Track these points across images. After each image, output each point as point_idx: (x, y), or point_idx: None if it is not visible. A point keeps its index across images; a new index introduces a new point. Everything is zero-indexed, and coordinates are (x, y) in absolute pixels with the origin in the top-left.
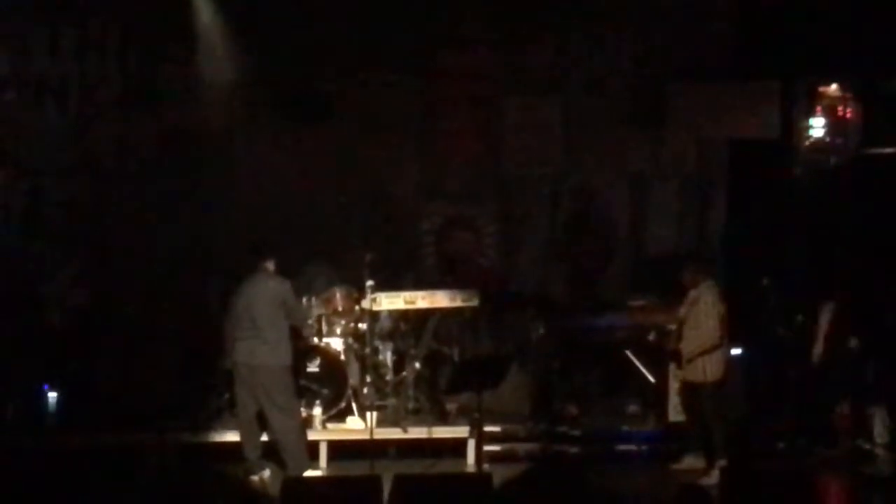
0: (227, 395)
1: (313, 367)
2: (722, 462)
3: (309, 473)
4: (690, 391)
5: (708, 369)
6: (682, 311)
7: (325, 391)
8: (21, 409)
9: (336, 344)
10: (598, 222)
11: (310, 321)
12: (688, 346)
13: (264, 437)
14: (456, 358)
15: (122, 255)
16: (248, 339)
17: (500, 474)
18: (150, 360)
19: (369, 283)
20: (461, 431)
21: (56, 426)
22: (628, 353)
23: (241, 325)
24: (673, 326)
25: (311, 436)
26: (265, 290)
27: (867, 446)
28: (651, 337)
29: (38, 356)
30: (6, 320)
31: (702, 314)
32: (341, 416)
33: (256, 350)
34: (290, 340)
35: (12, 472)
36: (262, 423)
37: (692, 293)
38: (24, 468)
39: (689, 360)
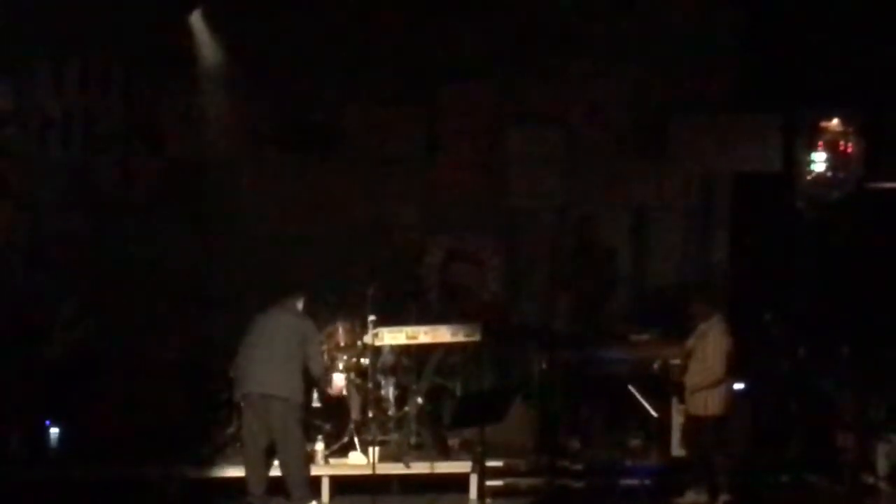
0: (230, 430)
1: (316, 403)
2: (725, 496)
3: None
4: (693, 425)
5: (710, 403)
6: (690, 343)
7: (328, 426)
8: (24, 443)
9: (338, 379)
10: (601, 254)
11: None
12: (692, 379)
13: (271, 473)
14: (458, 392)
15: (124, 289)
16: (263, 368)
17: None
18: (154, 394)
19: (372, 317)
20: (464, 466)
21: (58, 460)
22: (631, 387)
23: (256, 355)
24: (676, 361)
25: (314, 471)
26: (288, 324)
27: (871, 480)
28: (655, 366)
29: (39, 390)
30: (8, 354)
31: (709, 348)
32: (344, 451)
33: (271, 381)
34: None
35: None
36: (269, 458)
37: (702, 326)
38: (27, 502)
39: (692, 393)
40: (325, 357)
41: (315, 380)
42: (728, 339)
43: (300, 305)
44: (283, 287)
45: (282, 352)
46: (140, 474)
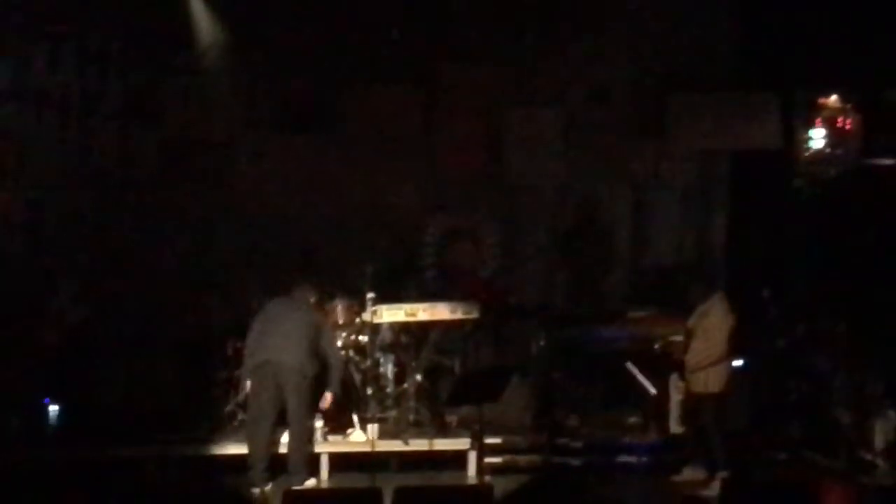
0: (228, 408)
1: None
2: (723, 473)
3: (310, 484)
4: (693, 402)
5: (710, 381)
6: (692, 321)
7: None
8: (23, 423)
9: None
10: (600, 233)
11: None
12: (694, 358)
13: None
14: (457, 370)
15: (123, 268)
16: (277, 341)
17: (501, 486)
18: (151, 374)
19: (370, 295)
20: (462, 443)
21: (57, 439)
22: (629, 364)
23: (270, 330)
24: (675, 337)
25: (313, 448)
26: (301, 318)
27: (868, 456)
28: (657, 347)
29: (38, 370)
30: (8, 334)
31: (711, 326)
32: (342, 429)
33: (286, 351)
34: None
35: (15, 485)
36: (272, 435)
37: (701, 306)
38: (26, 481)
39: (693, 372)
40: None
41: (334, 374)
42: (730, 317)
43: (311, 300)
44: (293, 279)
45: (296, 334)
46: (138, 453)
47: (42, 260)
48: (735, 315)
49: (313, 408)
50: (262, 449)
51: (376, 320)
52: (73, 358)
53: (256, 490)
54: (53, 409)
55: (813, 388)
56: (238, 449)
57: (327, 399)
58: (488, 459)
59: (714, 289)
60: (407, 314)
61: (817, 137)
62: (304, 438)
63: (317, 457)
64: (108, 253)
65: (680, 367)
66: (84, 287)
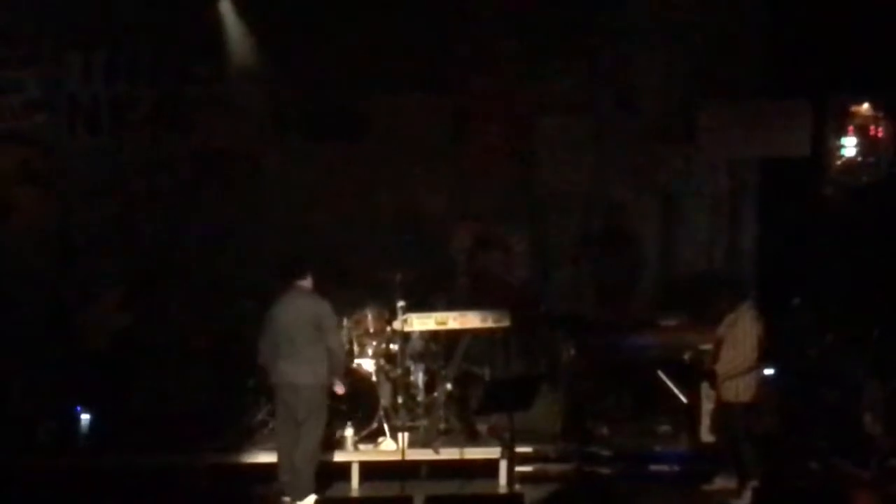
0: (258, 417)
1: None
2: (754, 482)
3: (310, 501)
4: (723, 411)
5: (741, 390)
6: (721, 330)
7: (357, 412)
8: (54, 432)
9: (367, 365)
10: (629, 241)
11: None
12: (724, 367)
13: None
14: (487, 378)
15: (152, 275)
16: (288, 359)
17: (531, 495)
18: (182, 382)
19: (400, 303)
20: (493, 452)
21: (88, 448)
22: (659, 372)
23: (280, 345)
24: (704, 346)
25: (343, 457)
26: (303, 309)
27: None
28: (687, 357)
29: (74, 379)
30: (41, 342)
31: (740, 335)
32: (373, 437)
33: (297, 370)
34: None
35: (46, 494)
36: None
37: (730, 315)
38: (56, 489)
39: (724, 381)
40: (355, 344)
41: (336, 362)
42: (759, 326)
43: (309, 284)
44: (284, 269)
45: (302, 339)
46: (168, 461)
47: (79, 268)
48: (764, 323)
49: (332, 418)
50: (289, 458)
51: (406, 329)
52: (114, 366)
53: (287, 499)
54: (85, 417)
55: (843, 397)
56: (268, 457)
57: (337, 390)
58: (519, 468)
59: (743, 297)
60: (437, 323)
61: (849, 145)
62: (314, 456)
63: (347, 466)
64: (138, 260)
65: (710, 376)
66: (128, 294)
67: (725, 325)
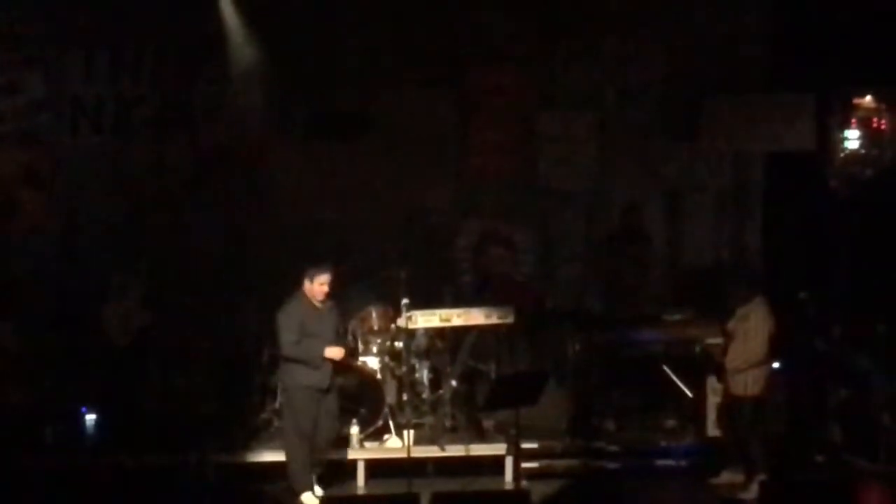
0: (264, 415)
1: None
2: (761, 476)
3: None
4: (731, 405)
5: (750, 383)
6: (731, 325)
7: (363, 410)
8: (60, 432)
9: (372, 362)
10: (634, 236)
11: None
12: (734, 361)
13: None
14: (493, 375)
15: (157, 275)
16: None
17: (538, 491)
18: (188, 381)
19: (405, 301)
20: (499, 448)
21: (95, 448)
22: (665, 367)
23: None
24: (712, 340)
25: (349, 455)
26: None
27: None
28: (697, 350)
29: (85, 378)
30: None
31: (752, 329)
32: (378, 435)
33: (328, 374)
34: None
35: (52, 494)
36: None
37: (741, 309)
38: (62, 490)
39: (734, 374)
40: (360, 341)
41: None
42: (771, 321)
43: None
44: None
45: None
46: (176, 460)
47: (76, 268)
48: (775, 318)
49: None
50: (309, 456)
51: (411, 326)
52: (133, 364)
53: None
54: (90, 417)
55: (852, 390)
56: (274, 456)
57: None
58: (525, 464)
59: (755, 291)
60: (442, 319)
61: (852, 138)
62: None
63: (353, 463)
64: (142, 261)
65: (718, 370)
66: (149, 295)
67: (736, 318)
